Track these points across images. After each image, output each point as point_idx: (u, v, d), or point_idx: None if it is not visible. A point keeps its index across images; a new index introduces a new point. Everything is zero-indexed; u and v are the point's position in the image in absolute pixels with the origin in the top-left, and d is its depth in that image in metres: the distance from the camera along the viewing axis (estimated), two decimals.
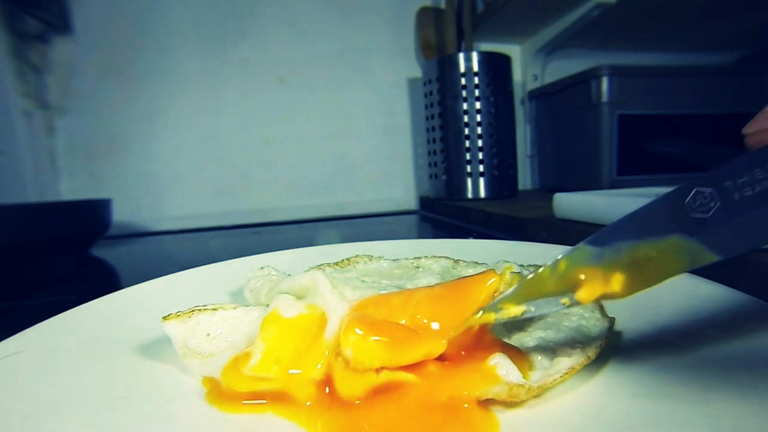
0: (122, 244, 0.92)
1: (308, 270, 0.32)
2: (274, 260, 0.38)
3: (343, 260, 0.37)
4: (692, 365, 0.21)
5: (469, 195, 0.90)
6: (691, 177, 0.17)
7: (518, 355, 0.22)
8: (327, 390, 0.20)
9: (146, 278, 0.36)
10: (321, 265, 0.36)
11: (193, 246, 0.88)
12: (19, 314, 0.44)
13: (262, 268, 0.33)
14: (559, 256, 0.20)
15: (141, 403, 0.20)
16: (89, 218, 0.70)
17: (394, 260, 0.36)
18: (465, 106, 0.87)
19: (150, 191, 1.02)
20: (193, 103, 1.02)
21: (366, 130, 1.10)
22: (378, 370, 0.20)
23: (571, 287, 0.19)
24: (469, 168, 0.89)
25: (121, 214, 0.86)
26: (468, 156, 0.88)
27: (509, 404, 0.19)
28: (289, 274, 0.31)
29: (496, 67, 0.89)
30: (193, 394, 0.21)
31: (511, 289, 0.21)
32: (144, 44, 0.98)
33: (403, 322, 0.22)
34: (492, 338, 0.23)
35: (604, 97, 0.84)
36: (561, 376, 0.20)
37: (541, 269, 0.20)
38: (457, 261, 0.35)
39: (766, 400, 0.17)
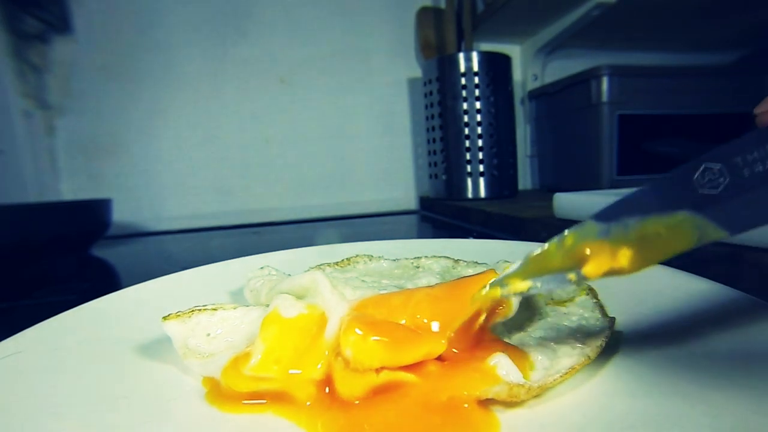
0: (122, 244, 0.91)
1: (308, 270, 0.32)
2: (274, 260, 0.38)
3: (343, 260, 0.37)
4: (692, 365, 0.21)
5: (469, 195, 0.90)
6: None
7: (518, 354, 0.22)
8: (327, 390, 0.20)
9: (146, 278, 0.36)
10: (321, 265, 0.36)
11: (193, 246, 0.88)
12: (19, 314, 0.44)
13: (262, 268, 0.33)
14: (566, 232, 0.20)
15: (141, 403, 0.20)
16: (89, 218, 0.70)
17: (394, 260, 0.36)
18: (465, 106, 0.87)
19: (150, 191, 1.02)
20: (193, 103, 1.02)
21: (366, 130, 1.10)
22: (378, 370, 0.20)
23: (578, 263, 0.19)
24: (469, 168, 0.89)
25: (121, 214, 0.86)
26: (468, 156, 0.88)
27: (509, 404, 0.19)
28: (289, 274, 0.31)
29: (496, 67, 0.89)
30: (193, 394, 0.21)
31: (516, 265, 0.21)
32: (144, 44, 0.98)
33: (403, 322, 0.22)
34: (492, 338, 0.23)
35: (604, 97, 0.84)
36: (561, 376, 0.20)
37: (547, 245, 0.20)
38: (457, 261, 0.35)
39: (765, 399, 0.17)
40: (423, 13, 1.06)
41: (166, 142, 1.01)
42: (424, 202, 1.08)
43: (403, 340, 0.20)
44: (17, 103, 0.93)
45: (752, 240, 0.36)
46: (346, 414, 0.19)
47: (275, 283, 0.27)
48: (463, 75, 0.87)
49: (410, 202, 1.14)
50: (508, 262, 0.27)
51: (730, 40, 1.03)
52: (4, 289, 0.53)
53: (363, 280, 0.31)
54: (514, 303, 0.23)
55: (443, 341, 0.21)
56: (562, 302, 0.29)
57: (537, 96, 1.06)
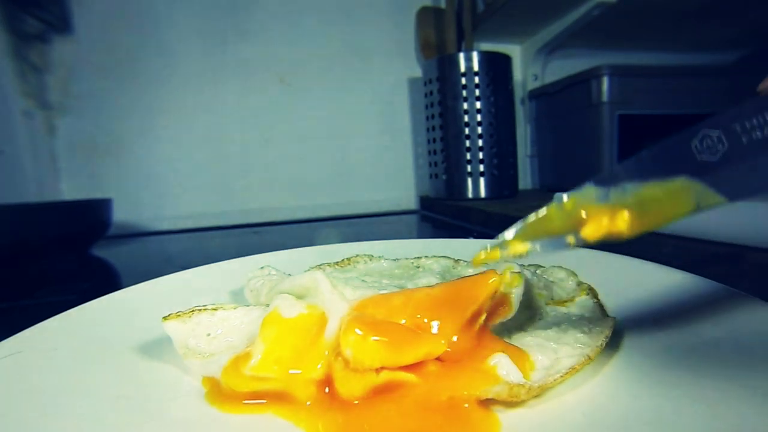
0: (122, 244, 0.91)
1: (308, 270, 0.32)
2: (274, 260, 0.38)
3: (343, 260, 0.37)
4: (693, 365, 0.21)
5: (470, 195, 0.90)
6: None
7: (519, 354, 0.22)
8: (327, 390, 0.20)
9: (146, 278, 0.36)
10: (321, 264, 0.36)
11: (193, 246, 0.88)
12: (19, 314, 0.44)
13: (262, 268, 0.33)
14: (565, 196, 0.20)
15: (141, 403, 0.20)
16: (90, 218, 0.70)
17: (395, 260, 0.36)
18: (465, 105, 0.87)
19: (150, 191, 1.02)
20: (193, 103, 1.02)
21: (366, 130, 1.10)
22: (378, 370, 0.20)
23: (577, 225, 0.19)
24: (469, 168, 0.89)
25: (121, 214, 0.86)
26: (468, 156, 0.88)
27: (510, 404, 0.19)
28: (289, 274, 0.31)
29: (496, 67, 0.89)
30: (193, 394, 0.21)
31: (516, 227, 0.21)
32: (144, 44, 0.98)
33: (403, 322, 0.22)
34: (492, 338, 0.23)
35: (604, 97, 0.84)
36: (561, 376, 0.20)
37: (546, 209, 0.20)
38: (457, 261, 0.35)
39: (766, 399, 0.17)
40: (423, 13, 1.06)
41: (166, 142, 1.01)
42: (425, 202, 1.08)
43: (403, 340, 0.20)
44: (18, 103, 0.93)
45: (752, 240, 0.36)
46: (346, 414, 0.19)
47: (275, 283, 0.27)
48: (464, 75, 0.87)
49: (410, 201, 1.14)
50: (508, 262, 0.27)
51: (730, 40, 1.02)
52: (4, 289, 0.53)
53: (363, 280, 0.31)
54: (515, 303, 0.23)
55: (443, 341, 0.21)
56: (562, 302, 0.29)
57: (537, 96, 1.06)
